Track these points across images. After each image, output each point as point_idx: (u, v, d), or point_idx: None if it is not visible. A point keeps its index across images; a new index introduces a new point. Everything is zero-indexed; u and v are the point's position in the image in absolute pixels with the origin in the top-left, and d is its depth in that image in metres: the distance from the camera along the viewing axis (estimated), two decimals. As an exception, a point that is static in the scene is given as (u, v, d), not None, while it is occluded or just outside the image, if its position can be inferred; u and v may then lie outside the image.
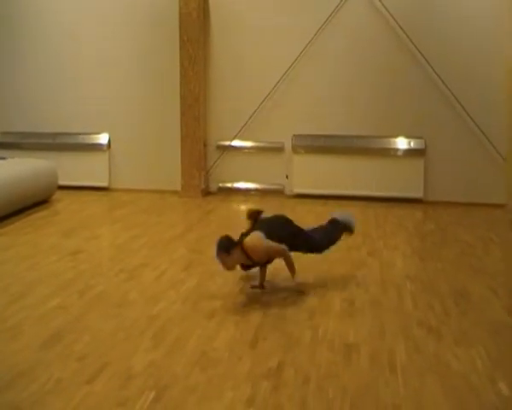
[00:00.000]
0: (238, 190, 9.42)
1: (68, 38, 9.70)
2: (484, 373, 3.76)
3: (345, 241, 5.66)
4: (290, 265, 5.06)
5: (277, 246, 4.92)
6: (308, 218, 7.82)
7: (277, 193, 9.30)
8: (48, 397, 3.44)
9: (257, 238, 4.84)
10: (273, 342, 4.19)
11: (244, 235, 4.89)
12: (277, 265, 5.21)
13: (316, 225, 5.48)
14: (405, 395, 3.50)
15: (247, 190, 9.40)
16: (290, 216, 5.33)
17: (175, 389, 3.55)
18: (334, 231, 5.46)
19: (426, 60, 8.75)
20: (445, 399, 3.46)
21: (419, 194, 8.88)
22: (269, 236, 4.88)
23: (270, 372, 3.75)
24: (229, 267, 4.84)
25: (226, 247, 4.71)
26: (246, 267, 5.04)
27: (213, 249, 4.77)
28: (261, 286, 5.20)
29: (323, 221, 5.54)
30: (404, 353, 4.03)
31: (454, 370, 3.81)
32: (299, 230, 5.23)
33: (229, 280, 5.28)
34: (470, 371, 3.79)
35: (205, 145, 9.37)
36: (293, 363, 3.88)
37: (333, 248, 5.46)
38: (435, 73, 8.73)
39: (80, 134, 9.72)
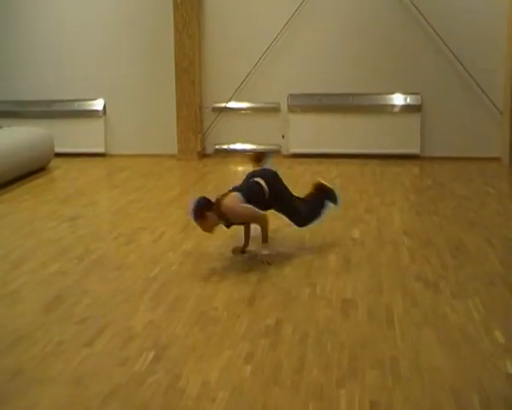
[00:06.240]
0: (235, 152, 9.38)
1: (64, 4, 9.57)
2: (480, 323, 3.81)
3: (342, 198, 5.62)
4: (264, 232, 4.87)
5: (253, 211, 4.80)
6: (305, 177, 7.85)
7: (274, 153, 9.25)
8: (49, 359, 3.49)
9: (235, 200, 4.73)
10: (271, 300, 4.23)
11: (222, 196, 4.77)
12: (276, 224, 5.23)
13: (303, 196, 5.32)
14: (402, 347, 3.55)
15: (244, 152, 9.37)
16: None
17: (174, 348, 3.60)
18: (319, 207, 5.28)
19: (422, 15, 8.64)
20: (441, 350, 3.51)
21: (416, 150, 8.86)
22: (247, 200, 4.77)
23: (268, 330, 3.79)
24: (207, 230, 4.78)
25: (202, 209, 4.64)
26: (228, 225, 4.96)
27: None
28: (242, 251, 5.11)
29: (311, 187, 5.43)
30: (402, 307, 4.07)
31: (451, 321, 3.85)
32: (288, 193, 5.11)
33: (226, 241, 5.29)
34: (466, 321, 3.84)
35: (200, 107, 9.32)
36: (291, 320, 3.91)
37: (315, 223, 5.27)
38: (432, 28, 8.63)
39: (75, 101, 9.65)
